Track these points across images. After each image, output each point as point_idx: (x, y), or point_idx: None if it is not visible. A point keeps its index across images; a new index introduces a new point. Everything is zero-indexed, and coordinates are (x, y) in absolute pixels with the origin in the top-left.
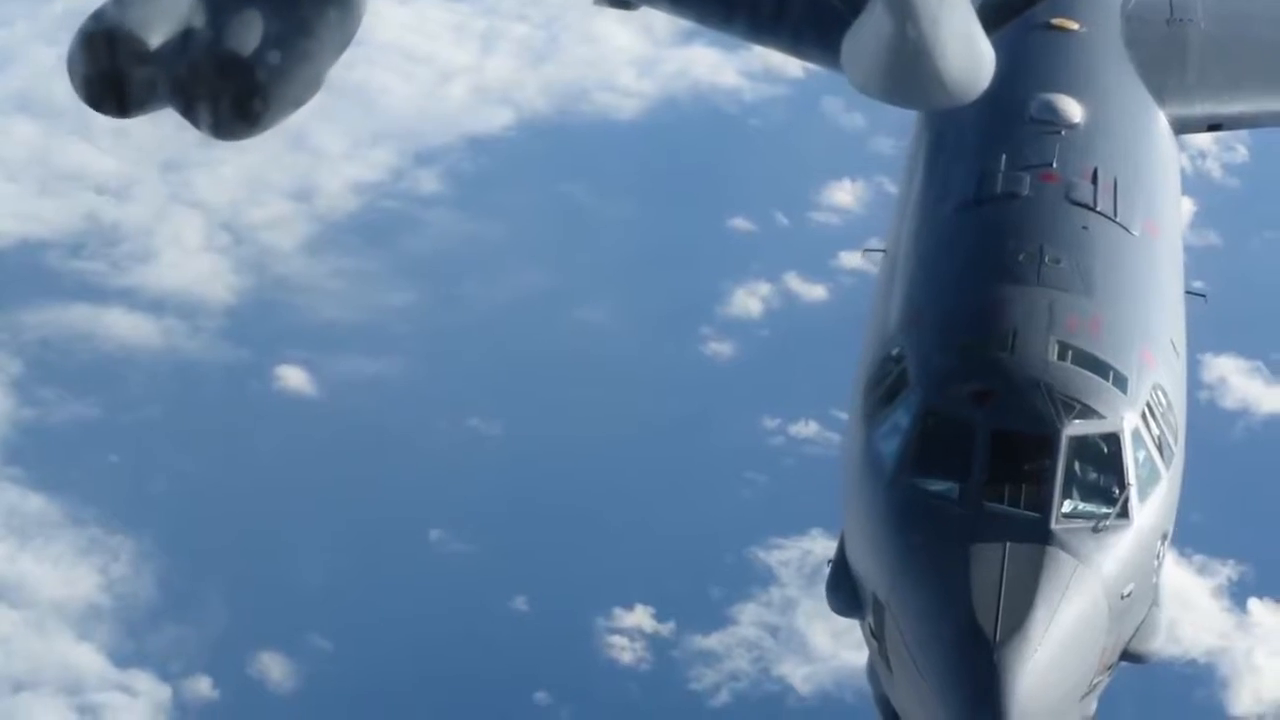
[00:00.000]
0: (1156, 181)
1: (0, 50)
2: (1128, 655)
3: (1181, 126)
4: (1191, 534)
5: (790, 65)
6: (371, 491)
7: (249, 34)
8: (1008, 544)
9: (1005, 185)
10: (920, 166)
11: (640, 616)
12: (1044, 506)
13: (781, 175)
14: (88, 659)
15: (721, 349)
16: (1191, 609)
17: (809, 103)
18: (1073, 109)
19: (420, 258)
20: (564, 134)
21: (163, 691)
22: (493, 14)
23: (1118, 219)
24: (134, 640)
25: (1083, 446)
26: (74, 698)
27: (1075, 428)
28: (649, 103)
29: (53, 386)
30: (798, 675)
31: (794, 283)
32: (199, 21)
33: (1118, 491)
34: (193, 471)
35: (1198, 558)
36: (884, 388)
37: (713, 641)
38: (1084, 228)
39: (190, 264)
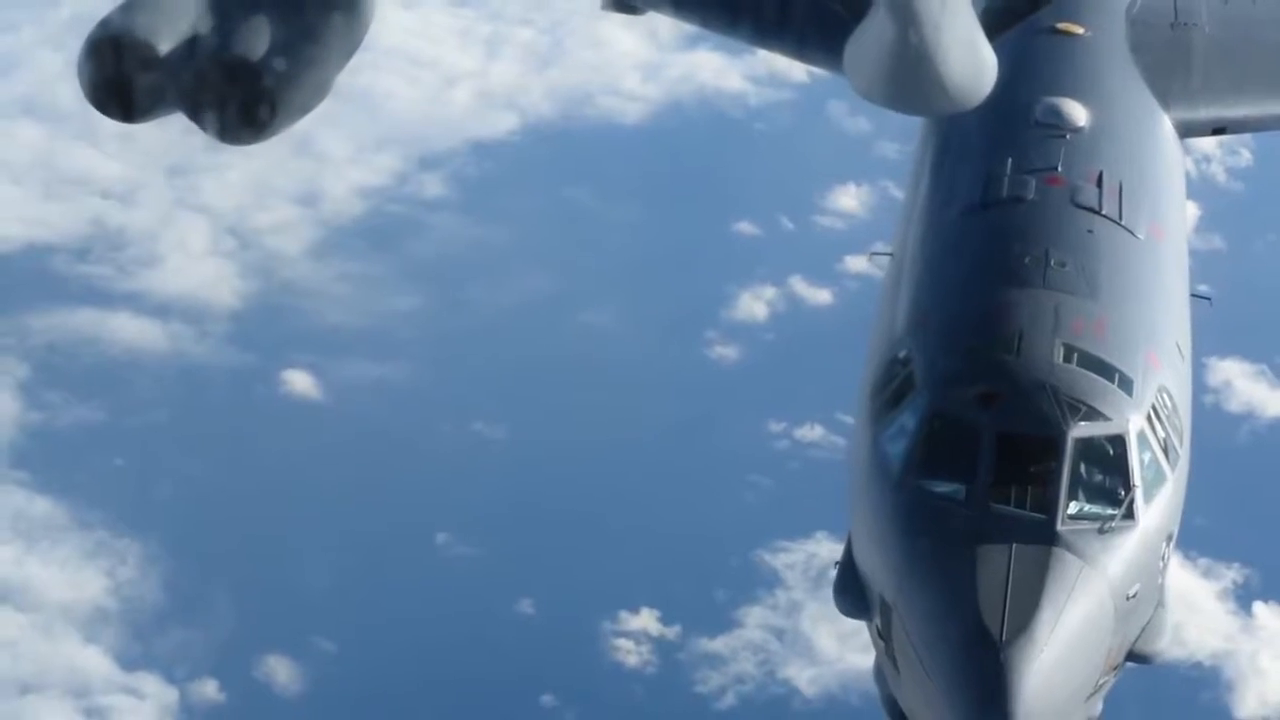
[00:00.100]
0: (1161, 185)
1: (6, 55)
2: (1133, 656)
3: (1186, 130)
4: (1196, 537)
5: (795, 70)
6: (377, 495)
7: (257, 39)
8: (1014, 545)
9: (1011, 189)
10: (926, 170)
11: (646, 619)
12: (1050, 508)
13: (786, 179)
14: (94, 662)
15: (727, 353)
16: (1197, 612)
17: (814, 107)
18: (1078, 113)
19: (425, 262)
20: (569, 138)
21: (169, 694)
22: (497, 19)
23: (1123, 222)
24: (141, 643)
25: (1088, 448)
26: (81, 700)
27: (1081, 430)
28: (654, 107)
29: (59, 390)
30: (803, 678)
31: (799, 286)
32: (208, 27)
33: (1123, 493)
34: (199, 475)
35: (1203, 561)
36: (890, 390)
37: (718, 644)
38: (1089, 231)
39: (196, 268)
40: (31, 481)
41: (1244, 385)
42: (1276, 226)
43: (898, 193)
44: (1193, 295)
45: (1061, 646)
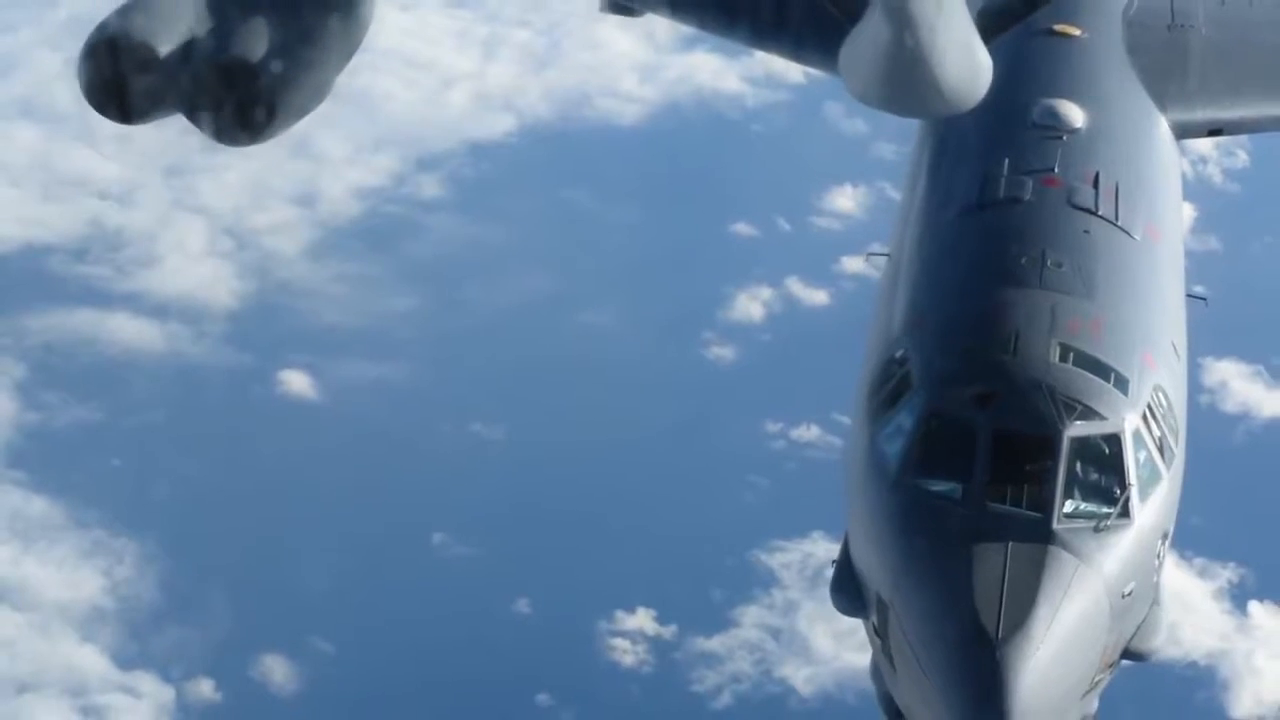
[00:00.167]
0: (1158, 186)
1: (4, 56)
2: (1129, 654)
3: (1182, 131)
4: (1192, 537)
5: (792, 71)
6: (374, 495)
7: (256, 42)
8: (1010, 544)
9: (1008, 190)
10: (923, 171)
11: (642, 619)
12: (1046, 506)
13: (783, 180)
14: (91, 661)
15: (724, 353)
16: (1192, 611)
17: (811, 108)
18: (1074, 114)
19: (422, 263)
20: (566, 140)
21: (166, 693)
22: (495, 20)
23: (1119, 223)
24: (137, 642)
25: (1084, 447)
26: (78, 699)
27: (1077, 429)
28: (651, 108)
29: (56, 390)
30: (799, 677)
31: (796, 287)
32: (207, 29)
33: (1119, 492)
34: (196, 475)
35: (1198, 560)
36: (888, 390)
37: (714, 644)
38: (1085, 232)
39: (193, 269)
40: (29, 481)
41: (1240, 386)
42: (1273, 228)
43: (894, 194)
44: (1189, 296)
45: (1057, 644)
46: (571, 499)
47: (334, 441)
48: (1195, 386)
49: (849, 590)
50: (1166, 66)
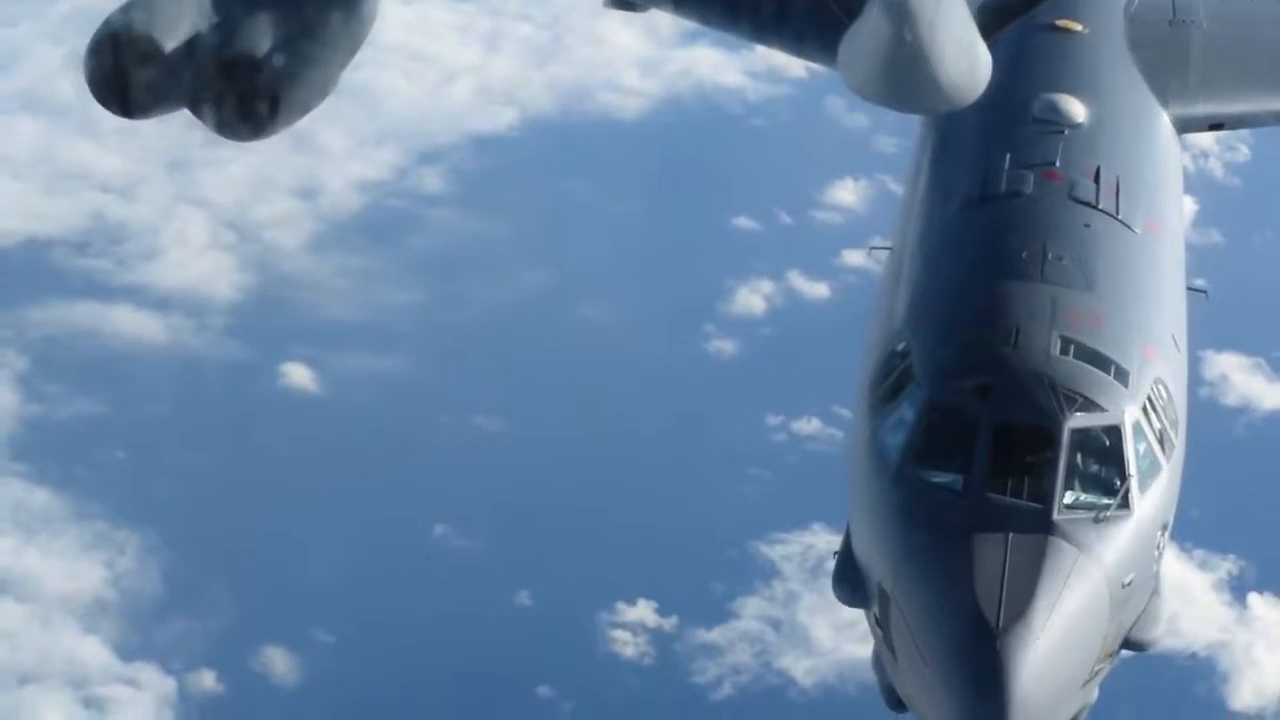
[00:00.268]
0: (1159, 180)
1: (5, 49)
2: (1129, 643)
3: (1184, 126)
4: (1192, 529)
5: (793, 65)
6: (375, 488)
7: (262, 37)
8: (1010, 534)
9: (1009, 184)
10: (925, 165)
11: (643, 611)
12: (1046, 497)
13: (784, 174)
14: (93, 652)
15: (725, 346)
16: (1192, 603)
17: (812, 102)
18: (1076, 109)
19: (424, 256)
20: (568, 133)
21: (168, 685)
22: (497, 14)
23: (1120, 217)
24: (139, 634)
25: (1084, 439)
26: (80, 690)
27: (1077, 420)
28: (653, 102)
29: (59, 383)
30: (800, 668)
31: (797, 281)
32: (212, 25)
33: (1119, 483)
34: (198, 468)
35: (1198, 552)
36: (889, 382)
37: (715, 635)
38: (1086, 226)
39: (195, 262)
40: (31, 473)
41: (1240, 378)
42: (1274, 222)
43: (895, 187)
44: (1189, 289)
45: (1057, 634)
46: (572, 492)
47: (335, 434)
48: (1196, 379)
49: (851, 581)
50: (1168, 61)
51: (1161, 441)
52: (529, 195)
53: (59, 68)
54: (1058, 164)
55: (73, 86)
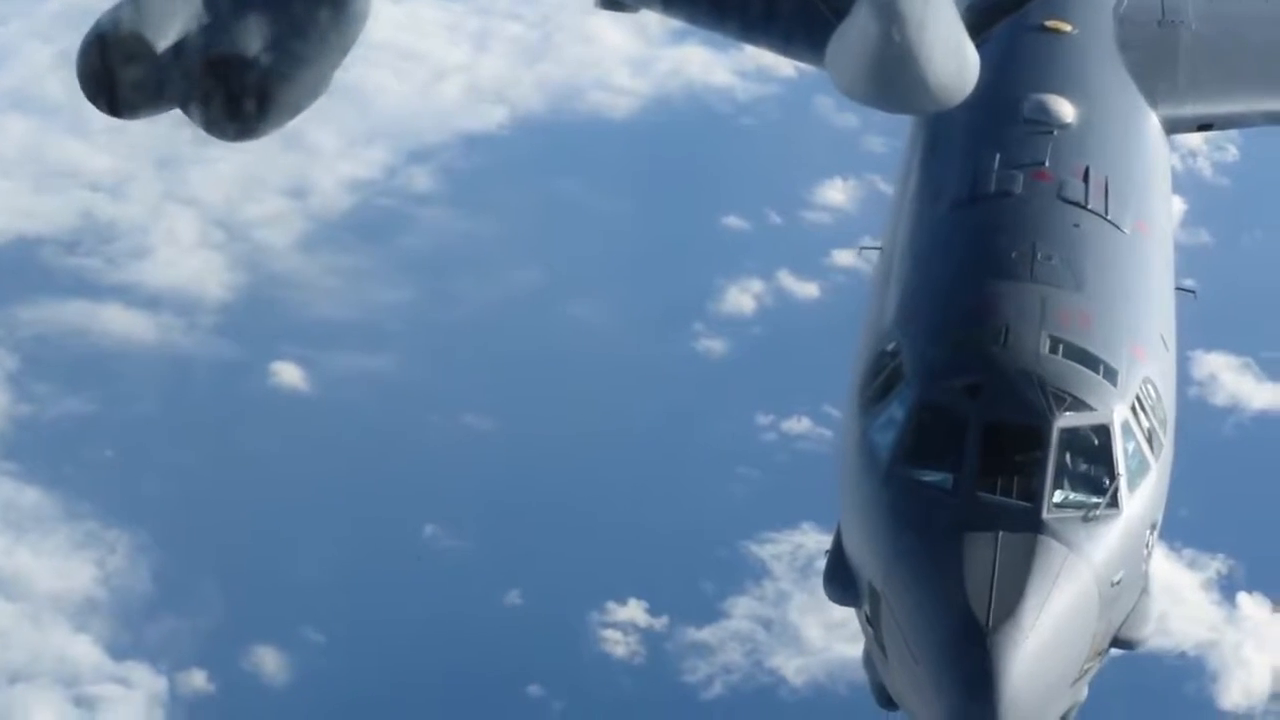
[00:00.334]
0: (1147, 180)
1: None
2: (1118, 642)
3: (1173, 127)
4: (1181, 528)
5: (783, 64)
6: (366, 487)
7: (254, 37)
8: (1000, 533)
9: (999, 184)
10: (915, 165)
11: (634, 610)
12: (1035, 496)
13: (774, 173)
14: (84, 651)
15: (714, 346)
16: (1181, 603)
17: (801, 101)
18: (1065, 109)
19: (414, 255)
20: (558, 132)
21: (158, 683)
22: (487, 13)
23: (1109, 217)
24: (130, 633)
25: (1073, 438)
26: (71, 689)
27: (1066, 420)
28: (642, 101)
29: (48, 382)
30: (790, 667)
31: (786, 280)
32: (205, 25)
33: (1108, 482)
34: (188, 467)
35: (1188, 552)
36: (880, 382)
37: (705, 635)
38: (1075, 225)
39: (185, 261)
40: (21, 472)
41: (1229, 378)
42: (1263, 221)
43: (885, 187)
44: (1178, 289)
45: (1047, 632)
46: (562, 491)
47: (325, 433)
48: (1185, 379)
49: (842, 580)
50: (1157, 62)
51: (1150, 441)
52: (519, 194)
53: (49, 66)
54: (1047, 164)
55: (64, 85)
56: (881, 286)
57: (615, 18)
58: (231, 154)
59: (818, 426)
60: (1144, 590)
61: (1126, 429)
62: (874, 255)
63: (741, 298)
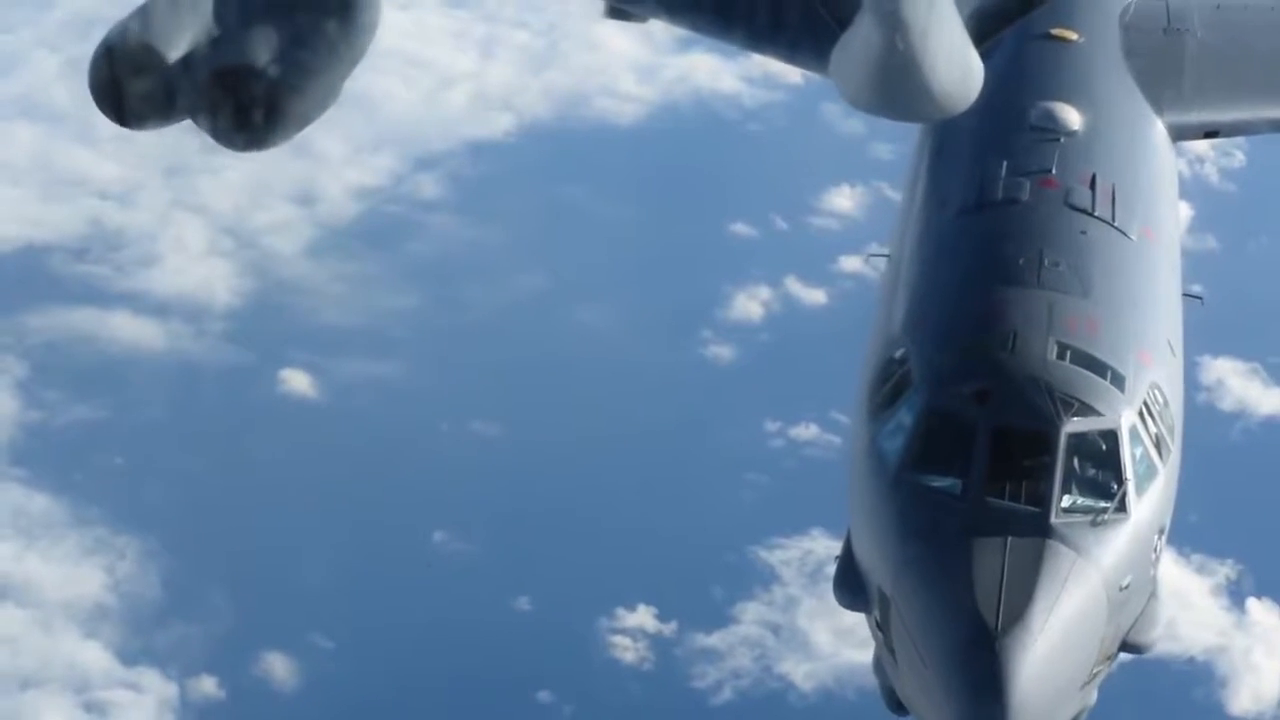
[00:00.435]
0: (1154, 187)
1: (3, 55)
2: (1127, 646)
3: (1179, 134)
4: (1190, 534)
5: (789, 71)
6: (374, 493)
7: (265, 48)
8: (1009, 538)
9: (1006, 191)
10: (923, 173)
11: (643, 616)
12: (1044, 501)
13: (781, 180)
14: (94, 657)
15: (722, 352)
16: (1190, 608)
17: (808, 108)
18: (1072, 117)
19: (422, 262)
20: (565, 139)
21: (169, 689)
22: (493, 20)
23: (1115, 224)
24: (140, 639)
25: (1081, 443)
26: (81, 695)
27: (1074, 425)
28: (649, 108)
29: (58, 389)
30: (799, 672)
31: (794, 287)
32: (216, 36)
33: (1115, 487)
34: (197, 473)
35: (1196, 557)
36: (888, 388)
37: (715, 640)
38: (1082, 232)
39: (193, 268)
40: (31, 479)
41: (1237, 384)
42: (1269, 227)
43: (892, 193)
44: (1185, 295)
45: (1056, 636)
46: (571, 497)
47: (333, 439)
48: (1192, 385)
49: (851, 585)
50: (1163, 70)
51: (1158, 446)
52: (526, 201)
53: (56, 74)
54: (1054, 171)
55: (71, 93)
56: (889, 293)
57: (622, 25)
58: (239, 162)
59: (826, 433)
60: (1152, 594)
61: (1134, 434)
62: (882, 262)
63: (749, 304)
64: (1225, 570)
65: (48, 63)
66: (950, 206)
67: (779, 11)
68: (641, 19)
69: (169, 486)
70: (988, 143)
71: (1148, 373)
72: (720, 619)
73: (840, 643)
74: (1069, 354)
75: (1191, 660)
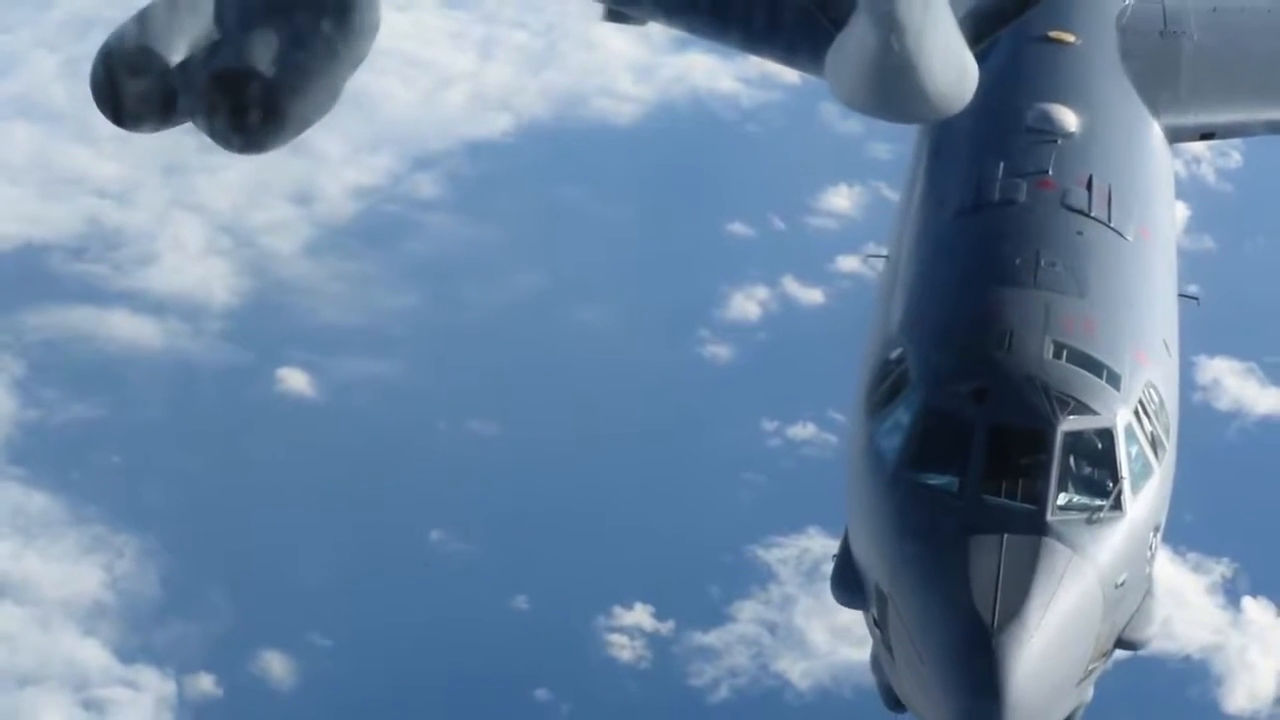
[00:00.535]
0: (1150, 188)
1: (2, 55)
2: (1123, 643)
3: (1175, 136)
4: (1186, 533)
5: (787, 72)
6: (372, 492)
7: (267, 51)
8: (1005, 535)
9: (1003, 192)
10: (920, 174)
11: (640, 615)
12: (1040, 499)
13: (778, 180)
14: (93, 655)
15: (720, 352)
16: (1186, 606)
17: (806, 108)
18: (1068, 118)
19: (420, 261)
20: (562, 139)
21: (167, 687)
22: (492, 21)
23: (1112, 224)
24: (138, 637)
25: (1077, 441)
26: (79, 693)
27: (1070, 423)
28: (647, 108)
29: (56, 388)
30: (796, 671)
31: (791, 286)
32: (218, 39)
33: (1111, 485)
34: (195, 472)
35: (1192, 555)
36: (886, 387)
37: (712, 638)
38: (1079, 233)
39: (192, 267)
40: (29, 477)
41: (1233, 383)
42: (1266, 228)
43: (889, 193)
44: (1181, 295)
45: (1052, 633)
46: (569, 496)
47: (332, 439)
48: (1189, 384)
49: (849, 583)
50: (1159, 72)
51: (1153, 444)
52: (524, 201)
53: (55, 74)
54: (1050, 172)
55: (70, 93)
56: (887, 293)
57: (620, 26)
58: (238, 161)
59: (823, 432)
60: (1148, 592)
61: (1130, 432)
62: (879, 262)
63: (746, 304)
64: (1221, 569)
65: (46, 62)
66: (948, 207)
67: (775, 13)
68: (640, 22)
69: (167, 485)
70: (985, 144)
71: (1143, 372)
72: (717, 617)
73: (837, 641)
74: (1065, 353)
75: (1187, 658)
